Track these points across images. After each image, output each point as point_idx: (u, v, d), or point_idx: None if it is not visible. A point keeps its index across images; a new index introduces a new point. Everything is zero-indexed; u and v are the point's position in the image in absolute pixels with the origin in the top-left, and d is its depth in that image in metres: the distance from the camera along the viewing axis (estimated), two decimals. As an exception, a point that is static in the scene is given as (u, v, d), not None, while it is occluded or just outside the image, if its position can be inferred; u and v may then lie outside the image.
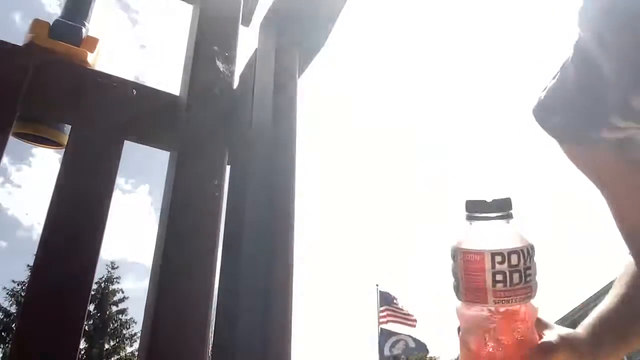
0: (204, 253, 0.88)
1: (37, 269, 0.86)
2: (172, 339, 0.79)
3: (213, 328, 0.83)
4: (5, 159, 0.95)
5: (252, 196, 0.88)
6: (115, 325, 17.30)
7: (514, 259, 0.48)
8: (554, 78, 0.64)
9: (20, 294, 16.09)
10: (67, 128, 1.10)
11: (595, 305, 0.63)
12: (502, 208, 0.51)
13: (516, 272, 0.48)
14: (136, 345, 17.18)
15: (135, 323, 17.49)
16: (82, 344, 15.15)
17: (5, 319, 16.06)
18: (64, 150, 1.03)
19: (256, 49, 1.06)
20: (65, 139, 1.11)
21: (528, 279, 0.49)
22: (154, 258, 0.90)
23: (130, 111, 1.05)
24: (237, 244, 0.89)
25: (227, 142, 1.03)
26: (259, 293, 0.75)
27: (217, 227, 0.93)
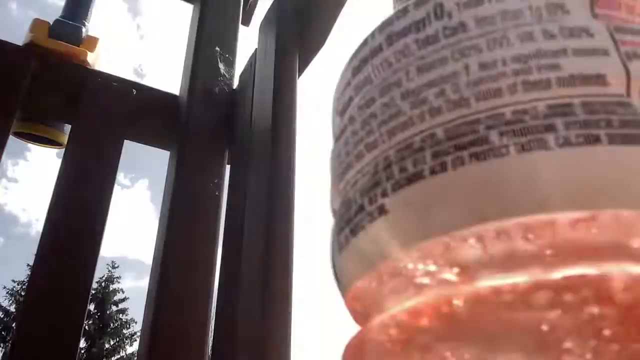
0: (204, 252, 0.88)
1: (37, 269, 0.86)
2: (172, 338, 0.79)
3: (213, 327, 0.83)
4: (1, 154, 0.95)
5: (252, 196, 0.89)
6: (116, 324, 17.29)
7: None
8: None
9: (20, 293, 16.10)
10: (67, 128, 1.10)
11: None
12: None
13: None
14: (136, 344, 17.17)
15: (136, 323, 17.46)
16: (82, 343, 15.15)
17: (5, 318, 16.07)
18: (64, 149, 1.04)
19: (256, 49, 1.06)
20: (65, 139, 1.11)
21: None
22: (154, 258, 0.90)
23: (130, 111, 1.05)
24: (237, 244, 0.89)
25: (227, 142, 1.03)
26: (258, 292, 0.75)
27: (217, 227, 0.93)
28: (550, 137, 0.15)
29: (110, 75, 1.09)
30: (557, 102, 0.15)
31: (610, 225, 0.14)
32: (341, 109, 0.20)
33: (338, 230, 0.19)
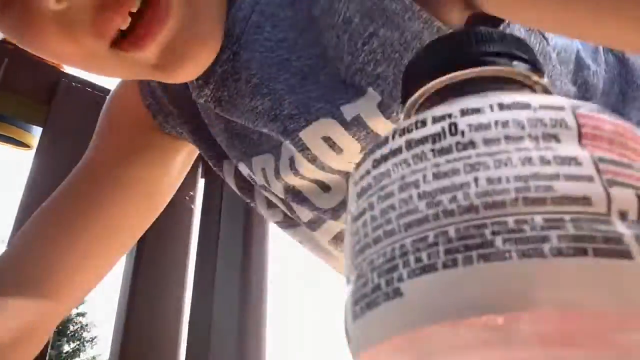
0: (178, 262, 0.89)
1: None
2: (142, 352, 0.80)
3: (185, 341, 0.84)
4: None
5: (227, 207, 0.90)
6: (76, 327, 16.94)
7: None
8: None
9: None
10: (37, 130, 1.08)
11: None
12: None
13: None
14: (97, 348, 16.98)
15: (95, 326, 17.19)
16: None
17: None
18: (34, 151, 1.02)
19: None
20: (33, 141, 1.09)
21: None
22: (124, 268, 0.90)
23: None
24: (211, 252, 0.90)
25: (200, 156, 1.04)
26: (232, 305, 0.77)
27: (189, 237, 0.94)
28: (546, 247, 0.18)
29: (83, 79, 1.08)
30: (552, 217, 0.18)
31: (593, 322, 0.18)
32: (360, 192, 0.23)
33: (354, 301, 0.22)
